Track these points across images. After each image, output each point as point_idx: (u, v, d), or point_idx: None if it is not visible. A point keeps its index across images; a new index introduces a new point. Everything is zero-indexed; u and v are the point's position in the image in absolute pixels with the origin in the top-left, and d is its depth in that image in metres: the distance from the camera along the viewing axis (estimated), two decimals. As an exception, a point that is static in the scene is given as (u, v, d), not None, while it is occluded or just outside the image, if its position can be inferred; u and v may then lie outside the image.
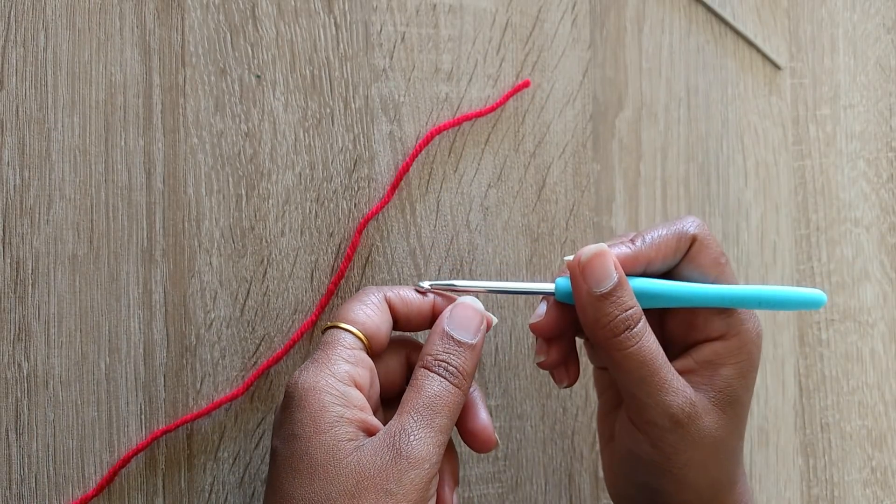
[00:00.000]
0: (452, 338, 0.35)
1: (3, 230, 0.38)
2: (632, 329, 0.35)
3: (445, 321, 0.36)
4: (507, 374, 0.45)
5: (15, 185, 0.38)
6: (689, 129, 0.49)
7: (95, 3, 0.39)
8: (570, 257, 0.37)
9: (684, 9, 0.49)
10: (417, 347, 0.38)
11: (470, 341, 0.36)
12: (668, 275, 0.39)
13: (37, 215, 0.38)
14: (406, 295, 0.38)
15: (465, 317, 0.36)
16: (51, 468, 0.38)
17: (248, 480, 0.41)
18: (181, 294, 0.40)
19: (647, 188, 0.48)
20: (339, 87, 0.42)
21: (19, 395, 0.38)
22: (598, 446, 0.46)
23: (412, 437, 0.32)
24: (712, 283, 0.38)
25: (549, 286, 0.38)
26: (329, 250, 0.42)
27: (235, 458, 0.41)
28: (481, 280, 0.43)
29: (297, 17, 0.42)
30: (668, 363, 0.36)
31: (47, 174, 0.39)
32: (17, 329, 0.38)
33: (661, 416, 0.35)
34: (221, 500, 0.40)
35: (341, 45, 0.42)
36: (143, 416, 0.39)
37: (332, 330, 0.36)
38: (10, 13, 0.38)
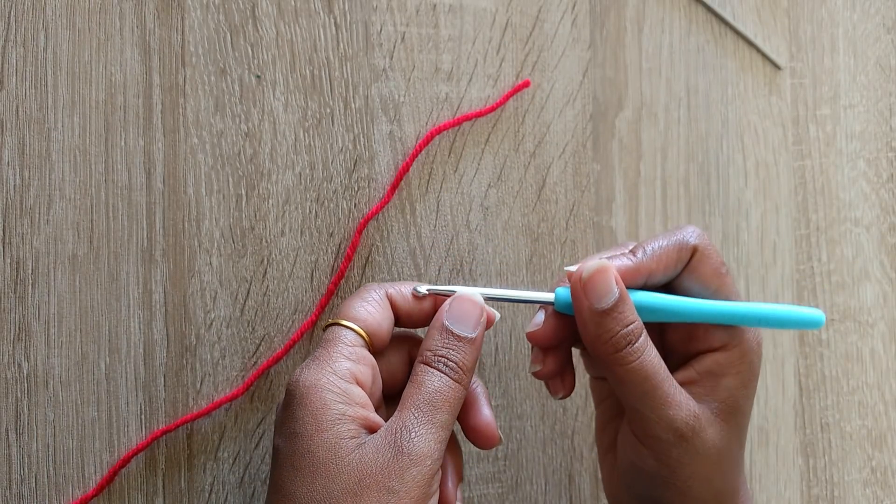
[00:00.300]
0: (452, 332, 0.35)
1: (3, 230, 0.38)
2: (633, 344, 0.35)
3: (444, 315, 0.36)
4: (507, 374, 0.45)
5: (15, 185, 0.38)
6: (689, 129, 0.49)
7: (95, 3, 0.39)
8: (572, 267, 0.36)
9: (684, 9, 0.49)
10: (419, 343, 0.38)
11: (469, 335, 0.35)
12: (668, 285, 0.39)
13: (37, 215, 0.38)
14: (407, 291, 0.37)
15: (464, 311, 0.36)
16: (51, 468, 0.38)
17: (248, 480, 0.41)
18: (181, 294, 0.40)
19: (647, 188, 0.48)
20: (339, 87, 0.42)
21: (19, 395, 0.38)
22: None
23: (413, 433, 0.32)
24: (713, 293, 0.37)
25: (548, 296, 0.37)
26: (329, 250, 0.42)
27: (235, 458, 0.41)
28: (480, 287, 0.42)
29: (297, 17, 0.42)
30: (671, 377, 0.36)
31: (47, 174, 0.39)
32: (17, 329, 0.38)
33: (665, 430, 0.35)
34: (221, 500, 0.40)
35: (341, 45, 0.42)
36: (143, 416, 0.39)
37: (333, 327, 0.36)
38: (10, 13, 0.38)
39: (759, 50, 0.51)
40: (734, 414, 0.37)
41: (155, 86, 0.40)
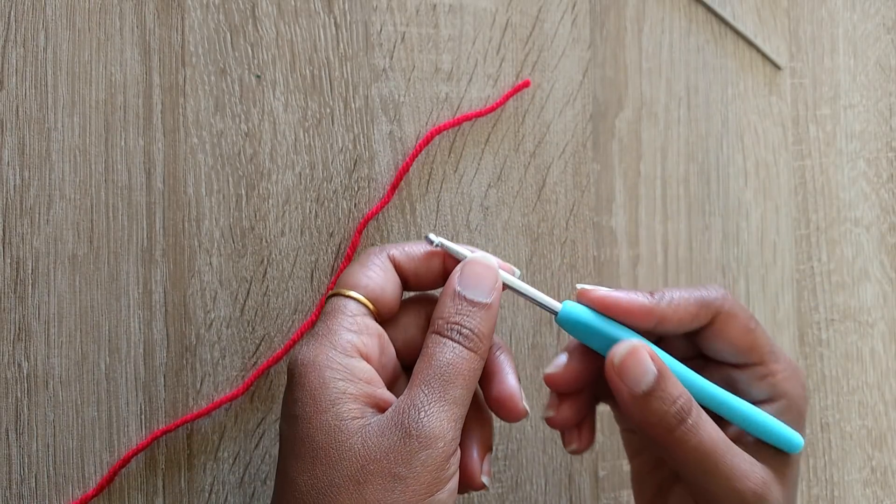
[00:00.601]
0: (465, 298, 0.32)
1: (3, 230, 0.38)
2: (686, 422, 0.33)
3: (456, 280, 0.33)
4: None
5: (15, 185, 0.38)
6: (689, 129, 0.49)
7: (95, 3, 0.39)
8: (587, 287, 0.34)
9: (684, 9, 0.49)
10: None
11: (485, 300, 0.33)
12: (694, 345, 0.37)
13: (37, 215, 0.38)
14: (412, 251, 0.35)
15: (477, 274, 0.33)
16: (51, 468, 0.38)
17: (248, 480, 0.41)
18: (181, 294, 0.40)
19: (647, 188, 0.48)
20: (339, 87, 0.42)
21: (19, 395, 0.38)
22: (597, 446, 0.46)
23: (422, 413, 0.30)
24: (745, 353, 0.36)
25: (554, 304, 0.35)
26: (329, 250, 0.42)
27: (235, 458, 0.41)
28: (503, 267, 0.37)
29: (297, 17, 0.42)
30: (732, 446, 0.34)
31: (47, 174, 0.39)
32: (17, 329, 0.38)
33: (734, 500, 0.33)
34: (221, 500, 0.40)
35: (341, 45, 0.42)
36: (143, 416, 0.39)
37: (333, 298, 0.33)
38: (10, 13, 0.38)
39: (759, 50, 0.51)
40: (789, 465, 0.35)
41: (155, 86, 0.40)
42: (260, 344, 0.41)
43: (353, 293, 0.33)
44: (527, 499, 0.45)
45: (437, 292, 0.36)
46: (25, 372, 0.38)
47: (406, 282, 0.35)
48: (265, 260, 0.41)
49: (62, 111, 0.39)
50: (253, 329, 0.41)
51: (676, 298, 0.35)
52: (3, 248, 0.38)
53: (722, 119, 0.50)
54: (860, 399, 0.52)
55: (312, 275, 0.42)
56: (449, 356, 0.31)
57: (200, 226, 0.40)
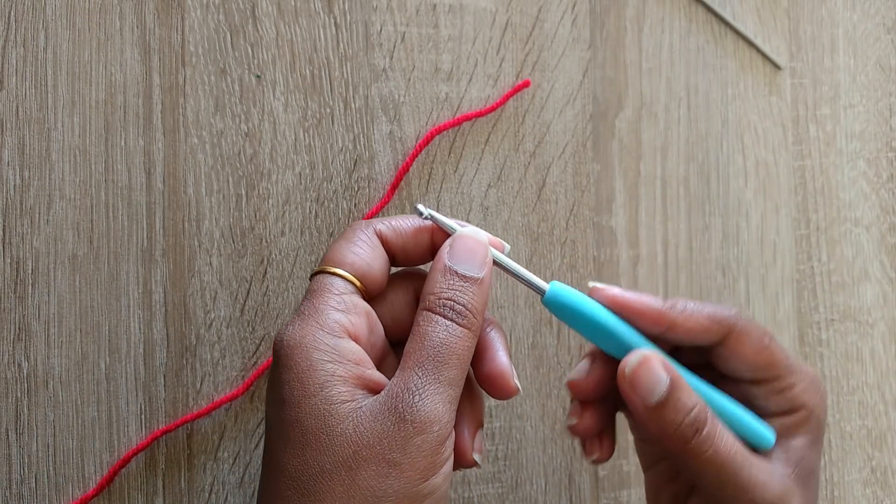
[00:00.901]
0: (456, 273, 0.31)
1: (3, 230, 0.38)
2: (701, 432, 0.32)
3: (446, 255, 0.32)
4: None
5: (15, 185, 0.38)
6: (689, 128, 0.49)
7: (95, 3, 0.39)
8: (598, 285, 0.34)
9: (684, 9, 0.49)
10: (425, 279, 0.34)
11: (476, 275, 0.32)
12: (709, 362, 0.37)
13: (37, 215, 0.38)
14: (399, 225, 0.33)
15: (468, 248, 0.32)
16: (51, 468, 0.38)
17: (248, 480, 0.41)
18: (181, 294, 0.40)
19: (647, 188, 0.48)
20: (339, 87, 0.42)
21: (19, 395, 0.38)
22: (598, 446, 0.46)
23: (416, 396, 0.29)
24: (762, 370, 0.35)
25: (542, 284, 0.34)
26: (329, 250, 0.42)
27: (235, 458, 0.41)
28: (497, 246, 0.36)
29: (297, 17, 0.42)
30: (750, 456, 0.33)
31: (47, 174, 0.39)
32: (17, 329, 0.38)
33: None
34: (221, 500, 0.40)
35: (341, 45, 0.42)
36: (143, 416, 0.39)
37: (318, 276, 0.32)
38: (10, 13, 0.38)
39: (759, 50, 0.51)
40: (810, 475, 0.35)
41: (155, 86, 0.40)
42: (260, 344, 0.41)
43: (339, 270, 0.32)
44: (527, 499, 0.45)
45: (425, 267, 0.36)
46: (25, 372, 0.38)
47: (394, 257, 0.34)
48: (265, 260, 0.41)
49: (62, 111, 0.39)
50: (253, 329, 0.41)
51: (689, 309, 0.34)
52: (3, 248, 0.38)
53: (722, 119, 0.50)
54: (860, 399, 0.52)
55: (312, 275, 0.42)
56: (442, 335, 0.30)
57: (200, 226, 0.40)
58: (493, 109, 0.44)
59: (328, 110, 0.42)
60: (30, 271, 0.38)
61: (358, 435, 0.28)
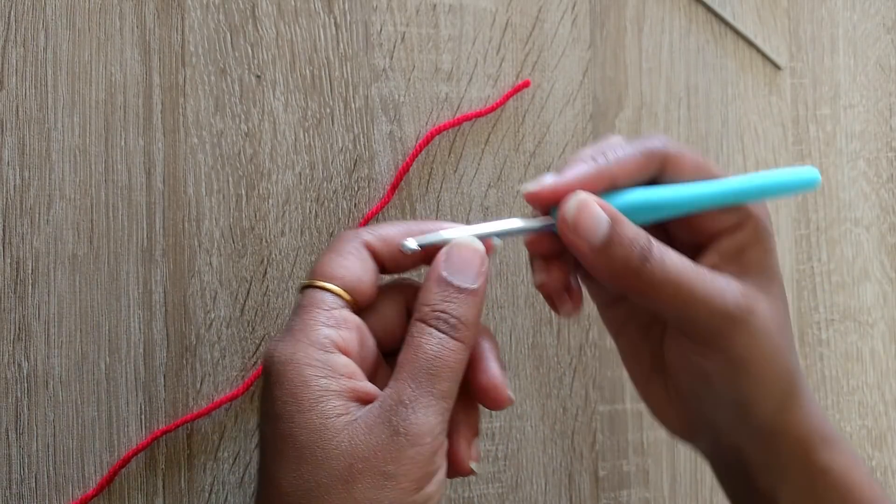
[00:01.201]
0: (451, 284, 0.31)
1: (3, 230, 0.38)
2: (649, 258, 0.32)
3: (441, 265, 0.32)
4: (507, 374, 0.45)
5: (15, 185, 0.38)
6: (689, 129, 0.49)
7: (95, 3, 0.39)
8: (530, 186, 0.34)
9: (684, 9, 0.49)
10: (415, 290, 0.34)
11: (471, 286, 0.32)
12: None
13: (37, 215, 0.38)
14: (388, 234, 0.33)
15: (463, 258, 0.32)
16: (51, 468, 0.38)
17: (248, 480, 0.41)
18: (181, 294, 0.40)
19: (647, 188, 0.48)
20: (339, 87, 0.42)
21: (19, 395, 0.38)
22: (597, 446, 0.46)
23: (410, 409, 0.29)
24: None
25: (547, 220, 0.34)
26: (329, 250, 0.42)
27: (235, 458, 0.41)
28: (474, 224, 0.37)
29: (297, 17, 0.42)
30: (702, 269, 0.33)
31: (47, 174, 0.39)
32: (17, 329, 0.38)
33: (721, 321, 0.33)
34: (221, 500, 0.40)
35: (341, 45, 0.42)
36: (143, 416, 0.39)
37: (308, 290, 0.32)
38: (10, 13, 0.38)
39: (759, 50, 0.51)
40: (772, 281, 0.35)
41: (155, 86, 0.40)
42: (260, 344, 0.41)
43: (328, 285, 0.32)
44: (527, 499, 0.45)
45: (417, 276, 0.36)
46: (25, 372, 0.38)
47: (383, 266, 0.34)
48: (265, 260, 0.41)
49: (62, 111, 0.39)
50: (253, 329, 0.41)
51: (621, 154, 0.34)
52: (3, 248, 0.38)
53: (722, 119, 0.50)
54: (860, 399, 0.52)
55: (312, 275, 0.42)
56: (436, 347, 0.30)
57: (200, 226, 0.40)
58: (493, 109, 0.44)
59: (328, 110, 0.42)
60: (30, 271, 0.38)
61: (353, 448, 0.29)
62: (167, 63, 0.40)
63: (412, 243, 0.33)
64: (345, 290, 0.32)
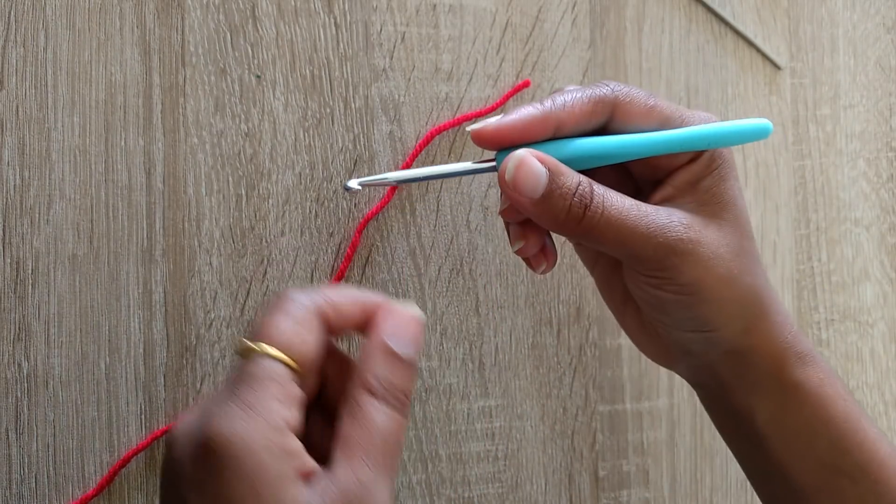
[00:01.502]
0: (397, 355, 0.30)
1: (3, 230, 0.38)
2: (590, 206, 0.33)
3: (386, 334, 0.30)
4: (506, 374, 0.45)
5: (15, 185, 0.38)
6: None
7: (95, 3, 0.39)
8: (475, 126, 0.34)
9: (684, 9, 0.49)
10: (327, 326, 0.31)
11: (413, 357, 0.31)
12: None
13: (37, 215, 0.38)
14: (340, 302, 0.31)
15: (406, 327, 0.31)
16: (51, 468, 0.38)
17: (248, 480, 0.41)
18: (181, 294, 0.40)
19: (647, 188, 0.48)
20: (339, 87, 0.42)
21: (19, 395, 0.38)
22: (597, 446, 0.46)
23: (372, 492, 0.28)
24: (656, 125, 0.35)
25: (491, 163, 0.35)
26: (329, 250, 0.42)
27: (235, 458, 0.41)
28: (420, 168, 0.37)
29: (297, 17, 0.42)
30: (642, 205, 0.34)
31: (47, 174, 0.39)
32: (17, 329, 0.38)
33: (666, 256, 0.34)
34: (221, 500, 0.40)
35: (341, 45, 0.42)
36: (143, 416, 0.39)
37: (260, 359, 0.29)
38: (10, 13, 0.38)
39: (759, 50, 0.51)
40: (725, 208, 0.35)
41: (155, 86, 0.40)
42: (260, 344, 0.41)
43: (282, 356, 0.29)
44: (527, 499, 0.45)
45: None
46: (25, 372, 0.38)
47: (327, 332, 0.32)
48: (265, 260, 0.41)
49: (62, 111, 0.39)
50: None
51: (569, 100, 0.35)
52: (3, 248, 0.38)
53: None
54: (860, 399, 0.52)
55: (312, 275, 0.42)
56: (389, 424, 0.29)
57: (200, 226, 0.40)
58: (492, 109, 0.44)
59: (328, 110, 0.42)
60: (30, 271, 0.38)
61: None
62: (167, 63, 0.40)
63: (354, 183, 0.34)
64: (297, 364, 0.29)
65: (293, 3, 0.42)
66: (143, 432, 0.39)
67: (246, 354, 0.29)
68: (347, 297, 0.32)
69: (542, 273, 0.38)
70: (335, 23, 0.42)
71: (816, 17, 0.52)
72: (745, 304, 0.36)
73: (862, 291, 0.52)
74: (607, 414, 0.46)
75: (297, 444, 0.28)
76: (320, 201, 0.42)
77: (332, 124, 0.42)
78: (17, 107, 0.38)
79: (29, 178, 0.38)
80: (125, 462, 0.39)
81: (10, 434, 0.38)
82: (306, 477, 0.28)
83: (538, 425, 0.45)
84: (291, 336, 0.29)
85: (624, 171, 0.38)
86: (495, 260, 0.45)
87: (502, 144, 0.35)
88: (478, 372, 0.44)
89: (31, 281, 0.38)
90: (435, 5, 0.44)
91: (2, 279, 0.38)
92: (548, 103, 0.34)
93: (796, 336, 0.37)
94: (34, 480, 0.38)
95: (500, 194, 0.37)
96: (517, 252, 0.37)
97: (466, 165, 0.36)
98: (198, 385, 0.40)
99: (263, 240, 0.41)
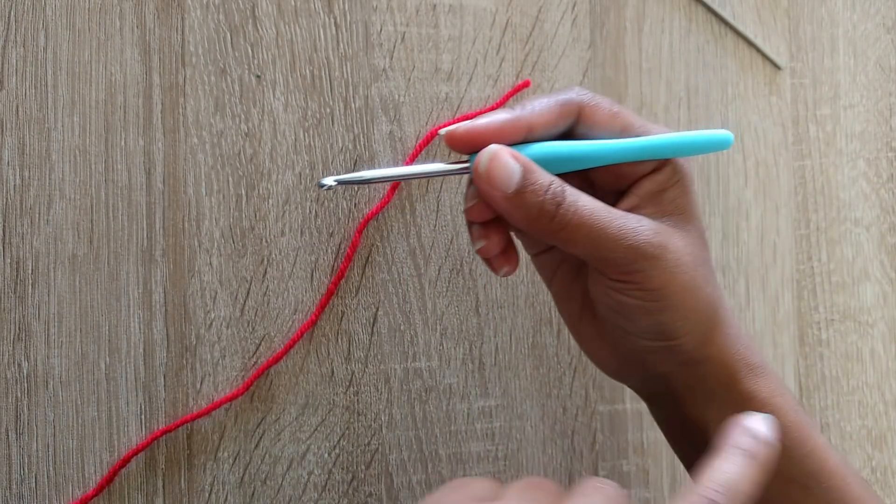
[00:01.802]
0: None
1: (3, 230, 0.38)
2: (563, 204, 0.34)
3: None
4: (507, 374, 0.45)
5: (15, 185, 0.38)
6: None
7: (95, 3, 0.39)
8: (448, 129, 0.36)
9: (684, 9, 0.49)
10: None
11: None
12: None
13: (37, 215, 0.38)
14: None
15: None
16: (51, 468, 0.38)
17: (248, 480, 0.41)
18: (181, 294, 0.40)
19: (647, 188, 0.48)
20: (339, 87, 0.42)
21: (19, 395, 0.38)
22: (597, 446, 0.46)
23: None
24: (619, 132, 0.37)
25: (464, 164, 0.36)
26: (329, 250, 0.42)
27: (235, 458, 0.41)
28: (392, 167, 0.38)
29: (297, 17, 0.42)
30: (614, 210, 0.35)
31: (47, 174, 0.39)
32: (17, 329, 0.38)
33: (635, 259, 0.34)
34: (221, 500, 0.40)
35: (341, 45, 0.42)
36: (143, 416, 0.39)
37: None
38: (10, 13, 0.38)
39: (759, 50, 0.51)
40: (688, 220, 0.37)
41: (155, 86, 0.40)
42: (260, 344, 0.41)
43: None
44: (527, 499, 0.45)
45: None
46: (25, 372, 0.38)
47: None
48: (265, 260, 0.41)
49: (62, 111, 0.39)
50: (253, 329, 0.41)
51: (537, 105, 0.36)
52: (3, 248, 0.38)
53: (722, 119, 0.50)
54: (860, 399, 0.52)
55: (312, 275, 0.42)
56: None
57: (200, 226, 0.40)
58: (492, 109, 0.44)
59: (328, 110, 0.42)
60: (30, 271, 0.38)
61: None
62: (167, 63, 0.40)
63: (329, 181, 0.35)
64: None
65: (293, 3, 0.42)
66: (143, 432, 0.39)
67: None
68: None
69: (503, 275, 0.39)
70: (335, 23, 0.42)
71: (816, 17, 0.52)
72: (705, 314, 0.36)
73: (862, 291, 0.52)
74: (607, 414, 0.46)
75: None
76: (320, 201, 0.42)
77: (332, 124, 0.42)
78: (17, 107, 0.38)
79: (29, 178, 0.38)
80: (125, 462, 0.39)
81: (10, 434, 0.38)
82: None
83: (538, 425, 0.45)
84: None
85: (586, 182, 0.38)
86: (495, 260, 0.45)
87: (475, 147, 0.35)
88: (478, 372, 0.44)
89: (31, 281, 0.38)
90: (435, 5, 0.44)
91: (2, 279, 0.38)
92: (518, 109, 0.36)
93: (749, 348, 0.38)
94: (34, 480, 0.38)
95: (465, 193, 0.37)
96: (478, 251, 0.37)
97: (440, 166, 0.37)
98: (198, 385, 0.40)
99: (263, 240, 0.41)
